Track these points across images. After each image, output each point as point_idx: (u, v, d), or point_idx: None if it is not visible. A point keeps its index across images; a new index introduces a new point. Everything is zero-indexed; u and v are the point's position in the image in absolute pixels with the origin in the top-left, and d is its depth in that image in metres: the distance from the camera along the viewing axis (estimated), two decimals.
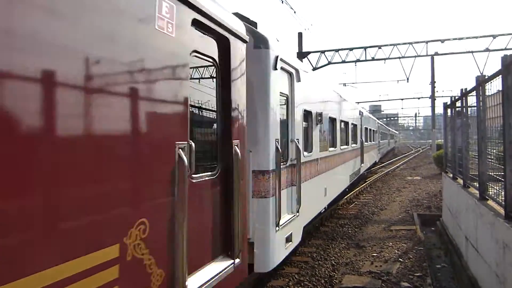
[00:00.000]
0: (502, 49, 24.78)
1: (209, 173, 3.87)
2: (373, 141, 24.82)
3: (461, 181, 8.64)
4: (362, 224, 11.74)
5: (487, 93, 6.51)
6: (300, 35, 27.22)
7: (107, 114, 2.46)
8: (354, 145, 15.07)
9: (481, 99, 6.79)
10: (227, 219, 4.13)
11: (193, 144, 3.30)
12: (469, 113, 8.41)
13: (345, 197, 15.23)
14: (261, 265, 5.36)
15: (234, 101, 4.27)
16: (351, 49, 27.99)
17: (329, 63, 27.89)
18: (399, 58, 27.38)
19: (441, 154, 16.98)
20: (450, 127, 11.01)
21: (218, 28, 3.92)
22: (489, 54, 25.65)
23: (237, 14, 5.12)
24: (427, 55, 27.81)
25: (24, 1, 1.98)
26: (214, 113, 4.12)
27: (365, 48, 27.75)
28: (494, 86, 5.94)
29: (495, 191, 6.15)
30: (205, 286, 3.42)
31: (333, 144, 10.63)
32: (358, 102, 32.76)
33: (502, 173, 5.28)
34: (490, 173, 6.54)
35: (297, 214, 6.57)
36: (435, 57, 30.44)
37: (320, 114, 8.39)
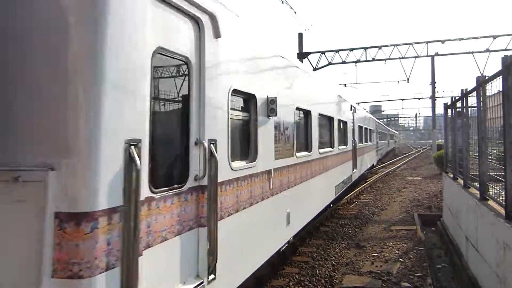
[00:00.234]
0: (502, 50, 24.71)
1: None
2: (370, 142, 22.25)
3: (461, 181, 8.65)
4: (362, 224, 11.76)
5: (487, 94, 6.53)
6: (300, 35, 27.20)
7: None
8: (343, 147, 12.52)
9: (481, 100, 6.81)
10: None
11: None
12: (469, 113, 8.42)
13: (346, 197, 15.25)
14: None
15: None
16: (351, 50, 27.95)
17: (330, 63, 27.86)
18: (400, 58, 27.31)
19: (442, 154, 16.96)
20: (451, 127, 11.02)
21: None
22: (489, 54, 25.60)
23: None
24: (427, 56, 27.73)
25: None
26: None
27: (365, 48, 27.71)
28: (495, 87, 5.97)
29: (495, 191, 6.16)
30: None
31: (307, 147, 8.14)
32: (358, 103, 32.68)
33: (503, 174, 5.30)
34: (491, 174, 6.55)
35: (210, 278, 3.80)
36: (435, 57, 30.48)
37: (274, 101, 5.68)
